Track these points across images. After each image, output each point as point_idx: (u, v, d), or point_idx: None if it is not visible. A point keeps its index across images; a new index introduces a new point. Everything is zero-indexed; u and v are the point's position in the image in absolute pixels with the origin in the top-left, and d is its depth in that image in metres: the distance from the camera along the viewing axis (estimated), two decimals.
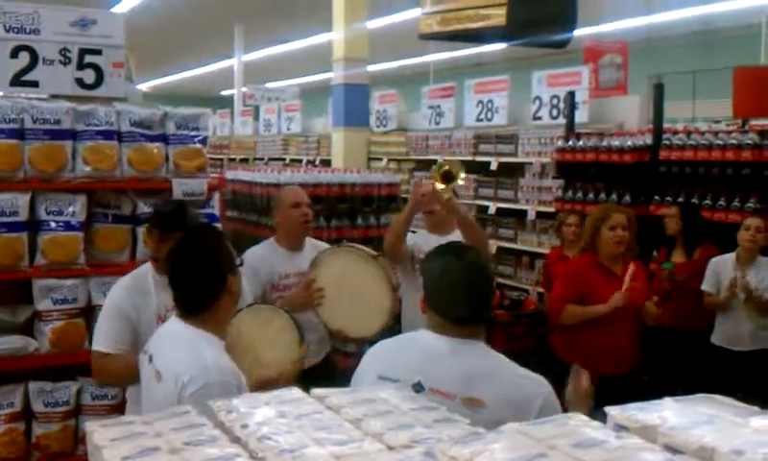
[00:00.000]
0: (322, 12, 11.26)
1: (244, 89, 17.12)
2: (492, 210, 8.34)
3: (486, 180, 8.50)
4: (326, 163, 11.03)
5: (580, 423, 1.36)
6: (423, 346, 2.43)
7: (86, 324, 4.03)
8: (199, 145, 4.40)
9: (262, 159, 13.52)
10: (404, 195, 8.95)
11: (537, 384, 2.37)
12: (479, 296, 2.43)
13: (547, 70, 8.25)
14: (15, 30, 4.43)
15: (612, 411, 1.34)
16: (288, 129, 13.55)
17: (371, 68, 10.69)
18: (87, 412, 4.05)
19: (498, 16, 5.17)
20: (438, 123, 9.69)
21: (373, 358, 2.54)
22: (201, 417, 1.83)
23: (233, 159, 14.43)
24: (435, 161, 9.33)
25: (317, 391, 2.00)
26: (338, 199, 6.60)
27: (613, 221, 4.54)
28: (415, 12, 13.10)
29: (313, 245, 4.27)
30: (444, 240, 4.34)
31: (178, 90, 25.52)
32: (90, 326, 4.08)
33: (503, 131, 8.49)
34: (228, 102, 19.31)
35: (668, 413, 1.39)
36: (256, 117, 15.46)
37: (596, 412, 1.42)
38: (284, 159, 12.88)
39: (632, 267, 4.53)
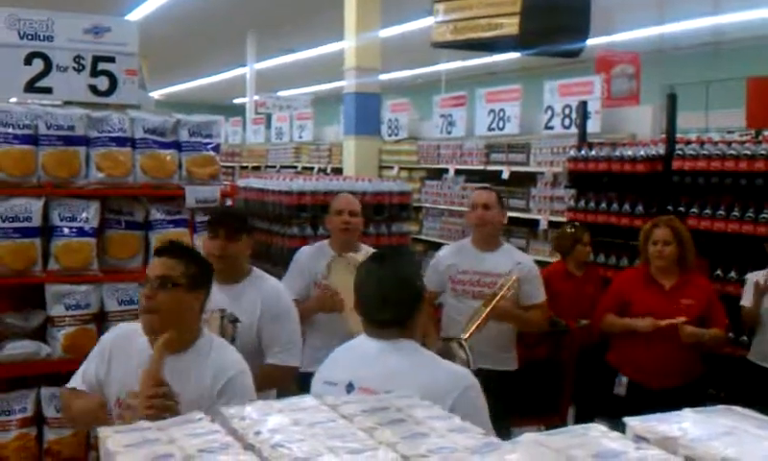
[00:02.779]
0: (334, 20, 11.29)
1: (256, 98, 17.17)
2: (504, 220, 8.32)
3: (497, 189, 8.44)
4: (338, 171, 11.04)
5: (599, 434, 1.34)
6: (358, 349, 2.63)
7: (98, 330, 4.04)
8: (211, 152, 4.41)
9: (274, 167, 13.55)
10: (416, 204, 8.97)
11: (454, 380, 2.48)
12: (395, 302, 2.55)
13: (559, 80, 8.24)
14: (29, 37, 4.46)
15: (632, 422, 1.32)
16: (300, 137, 13.58)
17: (382, 77, 10.70)
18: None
19: (511, 25, 5.18)
20: (449, 132, 9.68)
21: (322, 366, 2.72)
22: (213, 424, 1.82)
23: (245, 167, 14.46)
24: (446, 170, 9.35)
25: (329, 399, 1.99)
26: None
27: (655, 236, 4.56)
28: (427, 21, 13.13)
29: (366, 252, 4.20)
30: (491, 257, 4.44)
31: (190, 98, 25.63)
32: (102, 331, 4.09)
33: (515, 140, 8.47)
34: (239, 110, 19.36)
35: (688, 425, 1.37)
36: (268, 125, 15.49)
37: (618, 423, 1.41)
38: (296, 167, 12.90)
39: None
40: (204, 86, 25.39)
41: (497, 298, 4.19)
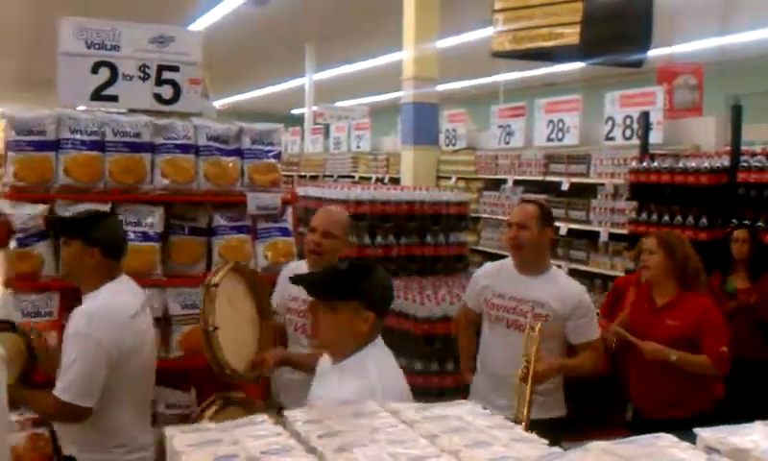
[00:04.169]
0: (392, 31, 11.33)
1: (314, 108, 17.32)
2: (562, 231, 8.24)
3: (557, 200, 8.40)
4: (395, 181, 11.06)
5: (668, 443, 1.32)
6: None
7: (162, 333, 4.10)
8: (273, 160, 4.46)
9: (331, 177, 13.65)
10: (474, 214, 8.93)
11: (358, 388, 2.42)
12: None
13: (620, 90, 8.13)
14: (96, 46, 4.55)
15: (703, 433, 1.29)
16: (357, 147, 13.66)
17: (440, 87, 10.70)
18: (161, 420, 4.10)
19: (572, 35, 5.13)
20: (507, 142, 9.63)
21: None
22: (276, 426, 1.84)
23: (303, 176, 14.59)
24: (504, 181, 9.29)
25: (391, 405, 1.99)
26: (407, 217, 6.60)
27: (643, 246, 4.31)
28: (485, 32, 13.10)
29: None
30: (533, 282, 3.79)
31: (250, 108, 25.93)
32: (166, 335, 4.16)
33: (575, 151, 8.39)
34: (297, 120, 19.55)
35: (760, 437, 1.34)
36: (326, 135, 15.62)
37: (685, 434, 1.38)
38: (353, 177, 12.97)
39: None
40: (264, 97, 25.70)
41: (531, 366, 3.46)
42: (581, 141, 8.46)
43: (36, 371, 3.27)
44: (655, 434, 1.32)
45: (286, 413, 1.89)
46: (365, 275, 2.54)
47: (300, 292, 3.55)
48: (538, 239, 3.78)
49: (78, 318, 3.07)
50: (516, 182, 9.15)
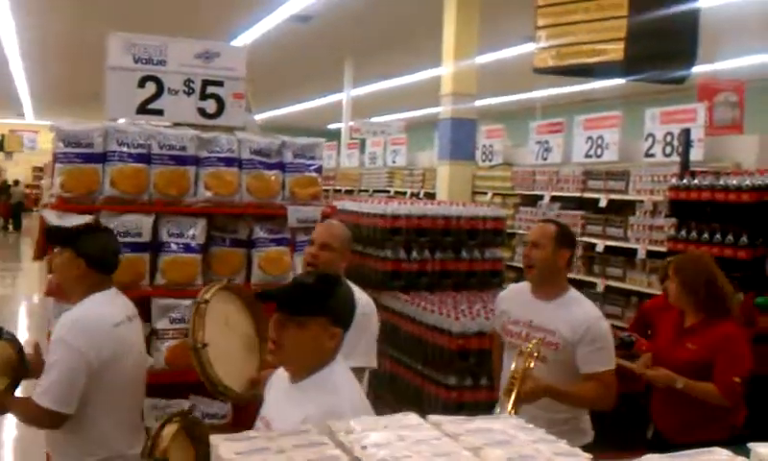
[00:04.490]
0: (430, 48, 11.38)
1: (350, 123, 17.41)
2: (599, 248, 8.18)
3: (594, 217, 8.35)
4: (431, 196, 11.08)
5: (725, 457, 1.31)
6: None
7: None
8: (314, 174, 4.51)
9: (367, 191, 13.70)
10: (509, 230, 8.91)
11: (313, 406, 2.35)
12: None
13: (660, 107, 8.08)
14: (144, 61, 4.64)
15: (757, 448, 1.29)
16: (393, 162, 13.70)
17: (477, 103, 10.71)
18: None
19: (616, 51, 5.10)
20: (545, 158, 9.60)
21: None
22: (321, 436, 1.86)
23: (338, 191, 14.67)
24: (541, 197, 9.26)
25: (433, 417, 2.00)
26: (443, 231, 6.61)
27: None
28: (523, 48, 13.11)
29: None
30: (547, 308, 3.60)
31: (287, 123, 26.14)
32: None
33: (614, 167, 8.34)
34: (333, 135, 19.65)
35: None
36: (362, 150, 15.69)
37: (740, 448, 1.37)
38: (389, 192, 13.01)
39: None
40: (301, 112, 25.92)
41: (517, 382, 3.31)
42: (620, 158, 8.41)
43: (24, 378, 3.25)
44: (709, 448, 1.31)
45: (330, 423, 1.91)
46: (332, 289, 2.48)
47: None
48: (552, 260, 3.58)
49: (61, 325, 3.10)
50: (554, 199, 9.11)
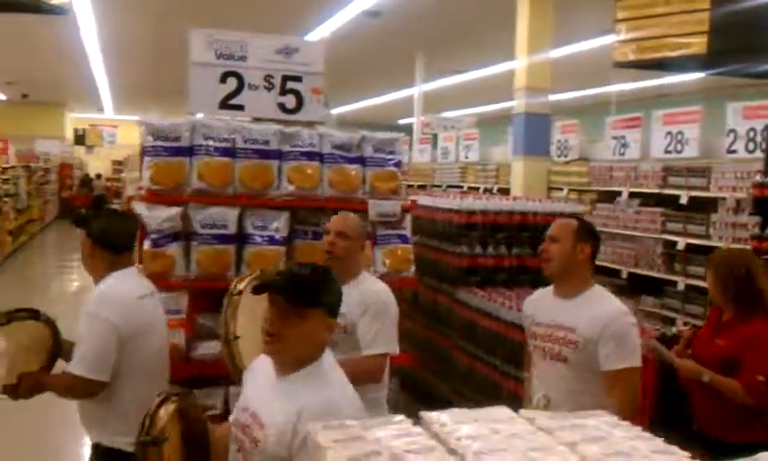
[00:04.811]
0: (503, 42, 11.29)
1: (422, 118, 17.40)
2: (680, 246, 8.00)
3: (674, 214, 8.17)
4: (504, 192, 11.00)
5: None
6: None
7: None
8: (393, 168, 4.54)
9: (439, 186, 13.68)
10: None
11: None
12: None
13: (743, 102, 7.84)
14: (225, 57, 4.74)
15: None
16: (466, 157, 13.64)
17: (551, 97, 10.59)
18: None
19: (699, 44, 5.01)
20: (622, 154, 9.42)
21: None
22: (415, 426, 1.88)
23: (411, 186, 14.68)
24: (619, 193, 9.10)
25: (525, 412, 2.00)
26: (519, 227, 6.55)
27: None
28: (596, 41, 12.89)
29: (364, 288, 3.60)
30: (568, 306, 3.44)
31: (356, 118, 26.30)
32: None
33: (694, 163, 8.13)
34: (404, 130, 19.66)
35: None
36: (434, 145, 15.67)
37: None
38: (461, 187, 12.96)
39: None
40: (372, 107, 26.01)
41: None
42: (701, 153, 8.20)
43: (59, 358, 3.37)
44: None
45: (423, 415, 1.92)
46: (327, 281, 2.47)
47: None
48: (570, 254, 3.41)
49: (89, 300, 3.24)
50: (632, 195, 8.94)
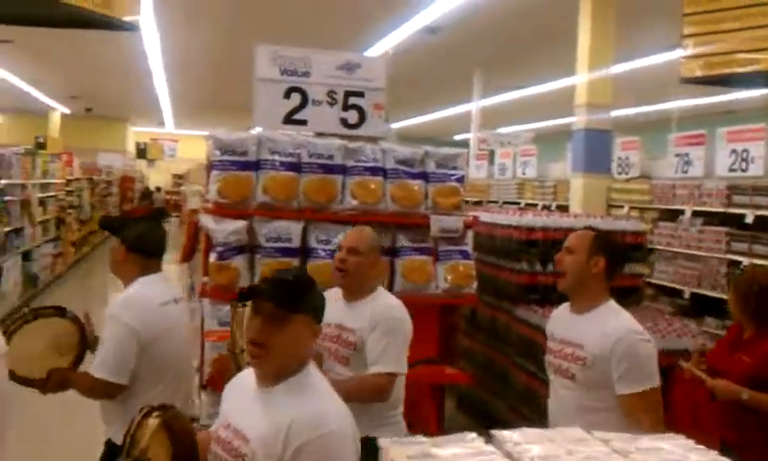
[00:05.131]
0: (561, 57, 11.20)
1: (478, 134, 17.35)
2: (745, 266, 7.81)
3: (740, 234, 7.97)
4: (563, 209, 10.87)
5: None
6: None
7: None
8: (456, 184, 4.54)
9: (496, 202, 13.59)
10: (650, 246, 8.63)
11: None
12: None
13: None
14: (289, 73, 4.80)
15: None
16: (523, 173, 13.54)
17: (612, 113, 10.45)
18: None
19: None
20: (685, 172, 9.24)
21: None
22: (487, 445, 1.86)
23: (467, 202, 14.59)
24: (682, 212, 8.93)
25: (599, 434, 1.97)
26: None
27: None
28: (659, 57, 12.71)
29: (376, 304, 3.43)
30: (580, 321, 3.26)
31: (412, 134, 26.34)
32: None
33: (760, 182, 7.94)
34: (459, 146, 19.60)
35: None
36: (491, 161, 15.59)
37: None
38: (519, 204, 12.86)
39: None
40: (428, 123, 26.03)
41: None
42: (767, 172, 8.00)
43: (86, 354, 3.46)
44: None
45: (495, 433, 1.91)
46: (311, 286, 2.41)
47: (332, 316, 3.34)
48: (584, 267, 3.25)
49: (112, 304, 3.32)
50: (695, 214, 8.76)
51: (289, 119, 4.80)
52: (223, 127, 4.55)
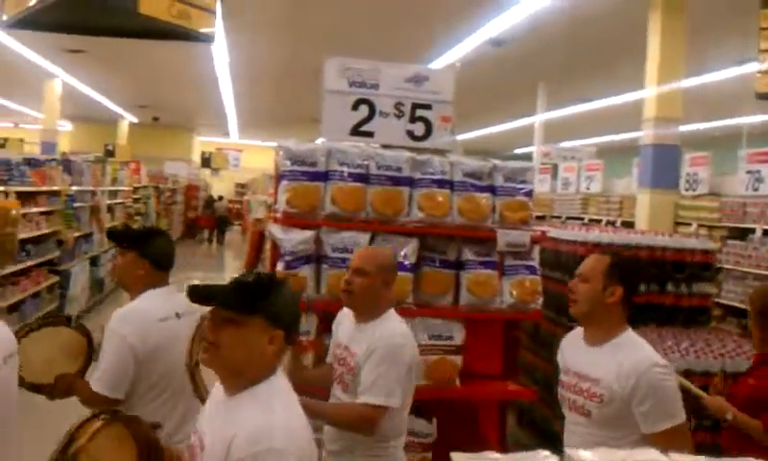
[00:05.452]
0: (628, 71, 11.04)
1: (541, 147, 17.20)
2: None
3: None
4: (628, 225, 10.70)
5: None
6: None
7: None
8: (524, 198, 4.49)
9: (559, 218, 13.45)
10: (719, 265, 8.44)
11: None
12: None
13: None
14: (357, 84, 4.82)
15: None
16: (587, 188, 13.38)
17: (680, 129, 10.26)
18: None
19: None
20: (756, 189, 9.03)
21: None
22: None
23: None
24: (752, 230, 8.71)
25: (675, 455, 1.93)
26: (646, 263, 6.35)
27: None
28: (731, 71, 12.42)
29: (379, 329, 3.23)
30: (595, 354, 3.04)
31: (473, 147, 26.25)
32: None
33: None
34: (520, 159, 19.45)
35: None
36: (554, 175, 15.44)
37: None
38: (582, 219, 12.71)
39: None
40: (488, 135, 25.90)
41: None
42: None
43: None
44: None
45: (568, 451, 1.88)
46: (271, 288, 2.27)
47: (342, 337, 3.37)
48: (598, 297, 3.02)
49: (113, 318, 3.31)
50: (766, 233, 8.54)
51: (356, 131, 4.82)
52: (286, 138, 4.59)
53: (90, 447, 2.27)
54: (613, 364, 2.93)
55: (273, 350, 2.23)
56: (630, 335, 3.05)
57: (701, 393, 3.86)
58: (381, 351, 3.09)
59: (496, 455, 1.88)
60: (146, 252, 3.39)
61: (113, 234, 3.60)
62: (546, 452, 1.91)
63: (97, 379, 3.21)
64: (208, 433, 2.21)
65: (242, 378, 2.21)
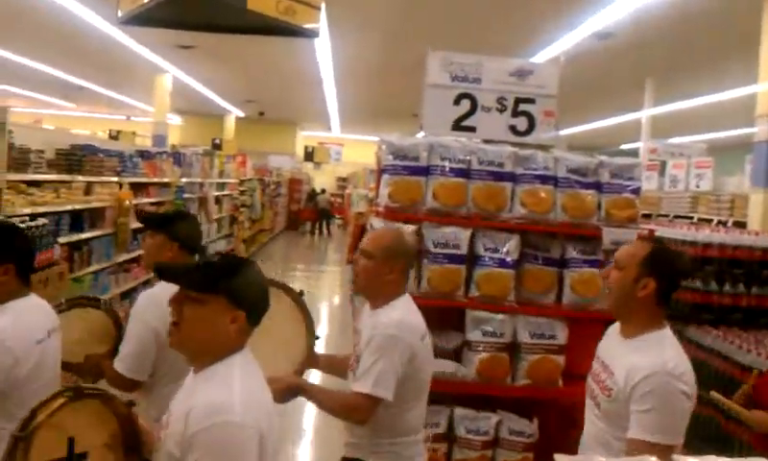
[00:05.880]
0: (742, 66, 10.58)
1: (648, 143, 16.70)
2: None
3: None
4: (740, 226, 10.26)
5: None
6: None
7: (510, 359, 4.19)
8: (631, 195, 4.38)
9: (666, 216, 13.02)
10: None
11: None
12: None
13: None
14: (460, 79, 4.80)
15: None
16: (697, 186, 12.89)
17: None
18: (504, 445, 4.18)
19: None
20: None
21: None
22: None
23: None
24: None
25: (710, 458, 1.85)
26: (760, 264, 6.11)
27: None
28: None
29: (382, 316, 3.08)
30: (620, 347, 2.85)
31: (577, 142, 25.74)
32: (513, 361, 4.24)
33: None
34: (626, 155, 18.96)
35: None
36: (662, 172, 14.96)
37: None
38: (691, 218, 12.26)
39: None
40: (592, 131, 25.36)
41: None
42: None
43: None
44: None
45: (677, 458, 1.82)
46: (235, 269, 2.28)
47: (359, 323, 3.24)
48: (630, 288, 2.78)
49: (138, 301, 3.35)
50: None
51: (458, 125, 4.80)
52: (386, 132, 4.60)
53: (53, 422, 2.28)
54: (631, 360, 2.72)
55: (235, 329, 2.24)
56: (662, 335, 2.78)
57: (738, 408, 3.69)
58: (376, 340, 2.98)
59: (601, 459, 1.84)
60: (175, 234, 3.42)
61: (143, 218, 3.67)
62: (653, 458, 1.86)
63: (119, 361, 3.28)
64: (174, 410, 2.25)
65: (206, 357, 2.25)
